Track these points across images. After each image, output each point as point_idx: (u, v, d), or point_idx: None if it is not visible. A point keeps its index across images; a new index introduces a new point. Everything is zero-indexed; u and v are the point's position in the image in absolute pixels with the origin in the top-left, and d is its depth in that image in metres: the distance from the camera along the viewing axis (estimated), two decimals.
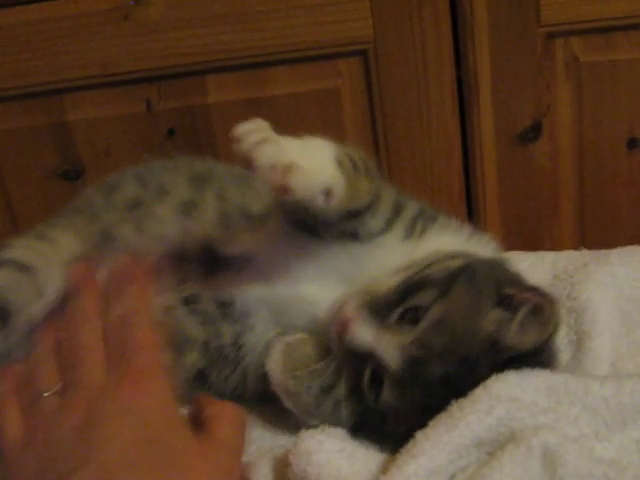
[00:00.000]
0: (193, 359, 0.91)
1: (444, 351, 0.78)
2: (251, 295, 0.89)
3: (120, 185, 1.03)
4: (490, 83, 1.25)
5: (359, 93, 1.28)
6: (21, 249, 0.93)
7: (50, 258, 0.92)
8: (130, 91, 1.31)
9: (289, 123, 1.29)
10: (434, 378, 0.77)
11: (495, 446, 0.71)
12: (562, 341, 0.92)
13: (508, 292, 0.82)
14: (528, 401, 0.73)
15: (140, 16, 1.25)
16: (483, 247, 0.94)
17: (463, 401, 0.73)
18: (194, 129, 1.32)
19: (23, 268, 0.89)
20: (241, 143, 0.75)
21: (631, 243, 1.13)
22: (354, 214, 0.84)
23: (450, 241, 0.93)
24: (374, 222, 0.87)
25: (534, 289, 0.83)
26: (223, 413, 0.77)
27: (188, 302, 0.91)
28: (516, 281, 0.86)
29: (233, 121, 1.28)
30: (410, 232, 0.91)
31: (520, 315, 0.78)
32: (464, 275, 0.83)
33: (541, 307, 0.79)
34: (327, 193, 0.78)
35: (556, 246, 1.31)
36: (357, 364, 0.81)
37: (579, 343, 0.91)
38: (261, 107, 1.29)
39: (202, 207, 0.95)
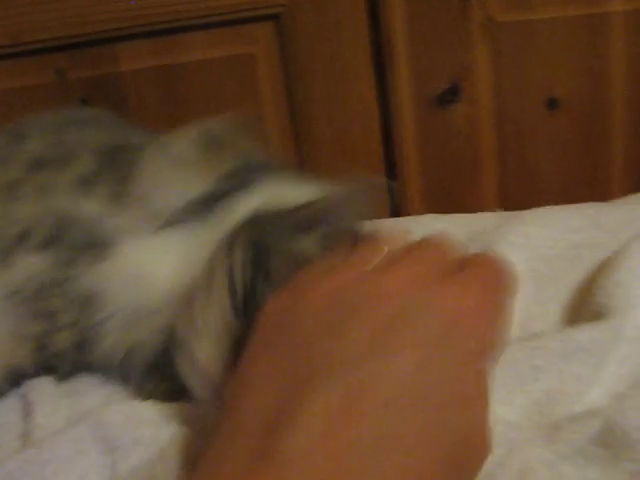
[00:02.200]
0: None
1: None
2: None
3: (28, 136, 0.91)
4: (405, 46, 1.24)
5: (274, 58, 1.26)
6: None
7: None
8: (40, 61, 1.27)
9: (203, 90, 1.27)
10: None
11: None
12: None
13: None
14: None
15: None
16: None
17: None
18: (107, 98, 1.28)
19: None
20: None
21: (554, 204, 1.12)
22: None
23: None
24: None
25: None
26: None
27: None
28: None
29: (146, 89, 1.28)
30: None
31: None
32: None
33: None
34: None
35: (478, 209, 1.29)
36: None
37: None
38: (174, 74, 1.26)
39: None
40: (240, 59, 1.26)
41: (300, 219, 0.73)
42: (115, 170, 0.86)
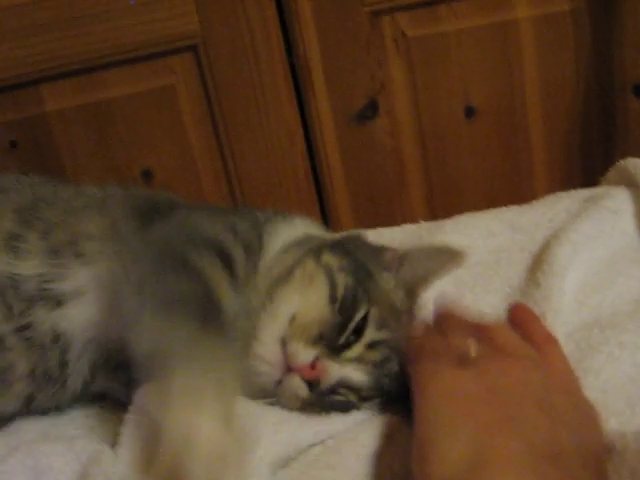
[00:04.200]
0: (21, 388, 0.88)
1: (392, 338, 0.84)
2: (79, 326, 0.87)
3: None
4: (322, 66, 1.27)
5: (194, 88, 1.28)
6: None
7: None
8: None
9: (129, 124, 1.29)
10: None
11: None
12: None
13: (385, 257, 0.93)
14: None
15: None
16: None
17: None
18: (35, 140, 1.30)
19: None
20: None
21: (479, 210, 1.14)
22: None
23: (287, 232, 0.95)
24: None
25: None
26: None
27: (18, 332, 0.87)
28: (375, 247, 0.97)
29: (72, 128, 1.29)
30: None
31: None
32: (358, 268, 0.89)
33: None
34: None
35: (407, 220, 1.32)
36: None
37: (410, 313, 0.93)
38: (99, 111, 1.28)
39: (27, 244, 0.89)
40: (161, 91, 1.27)
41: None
42: None
